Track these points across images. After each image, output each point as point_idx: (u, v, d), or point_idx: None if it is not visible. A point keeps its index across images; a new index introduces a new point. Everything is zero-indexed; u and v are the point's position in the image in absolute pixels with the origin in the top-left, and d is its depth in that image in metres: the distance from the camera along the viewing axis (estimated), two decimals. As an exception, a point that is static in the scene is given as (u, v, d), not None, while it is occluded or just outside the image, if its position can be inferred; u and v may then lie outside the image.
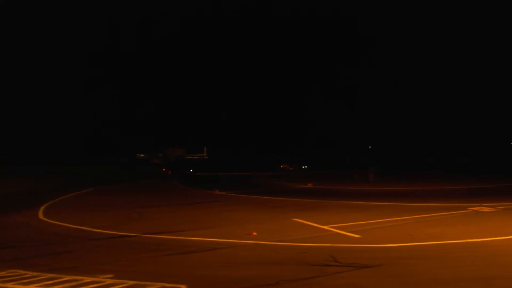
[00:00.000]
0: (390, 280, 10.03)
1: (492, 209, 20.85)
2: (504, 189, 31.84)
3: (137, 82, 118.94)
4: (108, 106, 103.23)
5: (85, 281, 9.97)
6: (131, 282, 9.77)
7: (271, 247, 13.78)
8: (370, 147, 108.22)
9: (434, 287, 9.39)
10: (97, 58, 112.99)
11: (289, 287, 9.49)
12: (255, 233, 15.44)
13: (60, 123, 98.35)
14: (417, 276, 10.36)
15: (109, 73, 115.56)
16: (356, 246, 13.65)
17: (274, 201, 25.67)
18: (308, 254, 12.59)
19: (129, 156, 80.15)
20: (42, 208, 23.42)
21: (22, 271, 10.34)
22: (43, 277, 9.88)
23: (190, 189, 33.49)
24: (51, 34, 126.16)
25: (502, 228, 16.15)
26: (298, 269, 10.92)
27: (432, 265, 11.39)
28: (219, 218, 19.54)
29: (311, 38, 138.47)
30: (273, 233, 15.80)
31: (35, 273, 10.16)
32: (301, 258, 12.11)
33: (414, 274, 10.50)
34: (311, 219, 18.38)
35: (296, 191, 31.28)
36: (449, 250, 13.03)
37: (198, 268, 11.31)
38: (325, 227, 16.76)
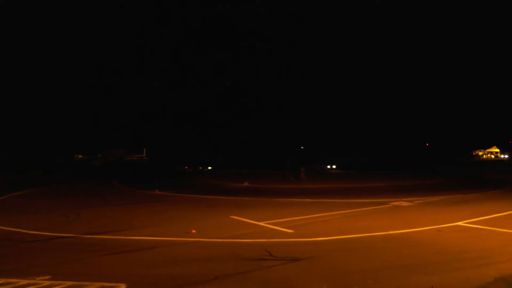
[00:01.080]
0: (320, 271, 10.33)
1: (410, 204, 22.05)
2: (421, 186, 33.77)
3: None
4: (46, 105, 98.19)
5: (20, 283, 9.40)
6: (69, 283, 9.34)
7: (209, 244, 13.70)
8: (302, 147, 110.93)
9: (360, 276, 9.77)
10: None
11: (227, 282, 9.50)
12: (194, 231, 15.28)
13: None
14: (345, 266, 10.74)
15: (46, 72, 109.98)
16: (289, 241, 13.90)
17: (212, 199, 25.54)
18: (244, 250, 12.66)
19: (66, 156, 76.18)
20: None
21: (-50, 277, 9.56)
22: (-26, 282, 9.21)
23: (130, 189, 32.49)
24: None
25: (419, 220, 17.13)
26: (235, 264, 10.95)
27: (359, 256, 11.86)
28: (159, 217, 19.13)
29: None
30: (212, 230, 15.71)
31: (-35, 278, 9.44)
32: (238, 254, 12.15)
33: (342, 265, 10.88)
34: (248, 216, 18.48)
35: (234, 190, 31.31)
36: (374, 242, 13.63)
37: (137, 267, 11.00)
38: (260, 223, 16.91)
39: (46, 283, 9.46)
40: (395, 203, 22.19)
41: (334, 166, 59.08)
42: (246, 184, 35.06)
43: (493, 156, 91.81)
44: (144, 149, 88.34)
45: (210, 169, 63.29)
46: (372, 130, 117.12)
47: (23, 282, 9.53)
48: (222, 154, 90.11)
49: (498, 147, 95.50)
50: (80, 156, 77.51)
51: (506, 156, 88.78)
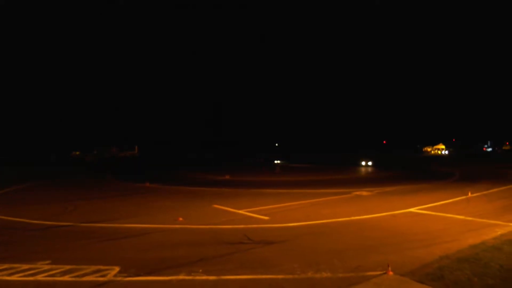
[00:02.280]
0: (292, 252, 10.45)
1: (370, 193, 22.43)
2: (379, 178, 34.41)
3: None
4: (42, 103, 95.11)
5: (22, 268, 9.20)
6: (68, 267, 9.20)
7: (194, 230, 13.66)
8: (276, 144, 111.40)
9: (327, 256, 9.93)
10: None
11: (210, 263, 9.51)
12: (181, 219, 15.20)
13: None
14: (313, 248, 10.89)
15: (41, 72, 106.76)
16: (265, 226, 13.98)
17: (198, 191, 25.40)
18: (226, 235, 12.68)
19: (62, 153, 74.23)
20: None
21: (-43, 263, 9.27)
22: (-21, 267, 8.95)
23: (123, 182, 31.99)
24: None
25: (377, 207, 17.47)
26: (218, 248, 10.96)
27: (326, 239, 12.03)
28: (149, 207, 18.92)
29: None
30: (197, 218, 15.65)
31: (-30, 264, 9.16)
32: (220, 238, 12.16)
33: (311, 247, 11.03)
34: (229, 205, 18.47)
35: (216, 182, 31.19)
36: (338, 226, 13.85)
37: (129, 251, 10.90)
38: (240, 211, 16.94)
39: (46, 267, 9.28)
40: (357, 193, 22.53)
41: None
42: (227, 177, 34.98)
43: (439, 152, 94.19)
44: (136, 147, 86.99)
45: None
46: (338, 129, 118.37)
47: (25, 266, 9.32)
48: (213, 151, 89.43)
49: (444, 144, 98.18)
50: (77, 153, 75.64)
51: (446, 152, 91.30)
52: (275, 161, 50.51)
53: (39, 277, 8.62)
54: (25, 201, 21.52)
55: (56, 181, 33.30)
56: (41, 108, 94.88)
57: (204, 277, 8.54)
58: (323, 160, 57.37)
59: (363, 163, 49.00)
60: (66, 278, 8.58)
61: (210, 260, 9.78)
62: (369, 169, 43.86)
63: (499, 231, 12.20)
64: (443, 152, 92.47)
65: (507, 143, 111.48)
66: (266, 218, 15.44)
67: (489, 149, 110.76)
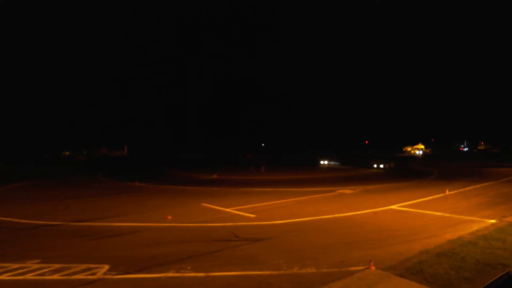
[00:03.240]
0: (278, 248, 10.46)
1: (353, 191, 22.61)
2: (362, 176, 34.72)
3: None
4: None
5: (12, 267, 9.01)
6: (57, 266, 9.03)
7: (183, 228, 13.57)
8: (263, 144, 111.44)
9: (312, 252, 9.97)
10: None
11: (199, 260, 9.46)
12: (170, 217, 15.08)
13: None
14: (299, 244, 10.93)
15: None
16: (252, 224, 13.97)
17: (186, 189, 25.24)
18: (214, 232, 12.64)
19: (53, 152, 72.93)
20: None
21: None
22: (-32, 267, 8.73)
23: (113, 181, 31.60)
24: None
25: (360, 204, 17.62)
26: (206, 245, 10.92)
27: (311, 236, 12.07)
28: (139, 206, 18.71)
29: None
30: (185, 216, 15.56)
31: (-41, 264, 8.92)
32: (208, 236, 12.12)
33: (297, 243, 11.06)
34: (217, 204, 18.41)
35: (204, 181, 31.06)
36: (323, 223, 13.92)
37: (119, 249, 10.77)
38: (228, 209, 16.89)
39: (36, 266, 9.10)
40: (341, 191, 22.69)
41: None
42: (215, 176, 34.87)
43: (417, 152, 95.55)
44: (125, 146, 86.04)
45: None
46: (324, 129, 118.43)
47: (14, 265, 9.13)
48: (204, 150, 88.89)
49: (423, 144, 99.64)
50: (67, 153, 74.43)
51: (421, 152, 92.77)
52: (322, 162, 50.79)
53: (29, 276, 8.45)
54: (15, 200, 21.08)
55: (47, 180, 32.70)
56: (31, 107, 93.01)
57: (193, 274, 8.48)
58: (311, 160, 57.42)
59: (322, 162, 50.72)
60: (56, 276, 8.43)
61: (198, 257, 9.72)
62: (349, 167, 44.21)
63: (475, 227, 12.43)
64: (417, 152, 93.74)
65: (482, 143, 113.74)
66: (253, 216, 15.42)
67: (466, 149, 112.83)
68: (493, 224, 12.89)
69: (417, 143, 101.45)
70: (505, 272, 4.74)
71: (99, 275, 8.48)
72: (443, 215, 14.79)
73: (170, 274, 8.47)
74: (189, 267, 8.86)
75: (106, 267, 8.93)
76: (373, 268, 8.47)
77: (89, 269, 8.83)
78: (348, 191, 22.67)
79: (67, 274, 8.52)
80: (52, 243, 11.64)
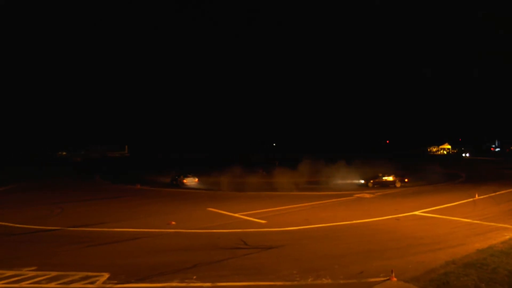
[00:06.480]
0: (290, 258, 10.46)
1: (371, 195, 22.50)
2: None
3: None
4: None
5: (7, 274, 9.16)
6: (54, 273, 9.16)
7: (188, 234, 13.65)
8: (274, 144, 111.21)
9: (327, 262, 9.94)
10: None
11: (204, 269, 9.50)
12: (173, 223, 15.18)
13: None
14: (312, 253, 10.91)
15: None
16: (262, 231, 13.98)
17: (190, 193, 25.37)
18: (221, 239, 12.67)
19: (48, 153, 73.73)
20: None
21: None
22: (-39, 274, 8.90)
23: (112, 184, 31.87)
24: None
25: (380, 210, 17.52)
26: (212, 253, 10.96)
27: (324, 244, 12.04)
28: (140, 210, 18.85)
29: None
30: (190, 222, 15.64)
31: (-49, 271, 9.10)
32: (215, 243, 12.16)
33: (309, 252, 11.04)
34: (223, 208, 18.46)
35: (208, 184, 31.04)
36: (338, 231, 13.87)
37: (120, 257, 10.87)
38: (236, 214, 16.93)
39: (32, 273, 9.24)
40: (359, 195, 22.58)
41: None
42: (220, 178, 34.90)
43: (445, 152, 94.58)
44: (126, 146, 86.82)
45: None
46: (347, 130, 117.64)
47: (9, 273, 9.28)
48: (207, 151, 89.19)
49: (449, 144, 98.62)
50: (63, 153, 75.37)
51: (448, 152, 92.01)
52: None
53: (24, 284, 8.59)
54: (9, 203, 21.42)
55: (42, 182, 33.15)
56: (31, 108, 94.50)
57: (199, 284, 8.53)
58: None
59: None
60: (53, 285, 8.55)
61: (204, 266, 9.77)
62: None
63: (508, 235, 12.25)
64: (447, 152, 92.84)
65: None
66: (263, 221, 15.43)
67: (497, 149, 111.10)
68: (527, 232, 12.70)
69: (443, 143, 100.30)
70: None
71: (98, 284, 8.58)
72: (471, 222, 14.62)
73: (174, 284, 8.53)
74: (194, 277, 8.91)
75: (106, 275, 9.03)
76: (394, 279, 8.41)
77: (87, 277, 8.93)
78: (366, 195, 22.55)
79: (65, 283, 8.64)
80: (48, 249, 11.81)
